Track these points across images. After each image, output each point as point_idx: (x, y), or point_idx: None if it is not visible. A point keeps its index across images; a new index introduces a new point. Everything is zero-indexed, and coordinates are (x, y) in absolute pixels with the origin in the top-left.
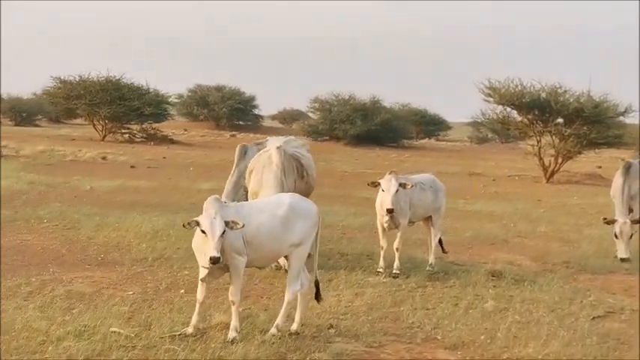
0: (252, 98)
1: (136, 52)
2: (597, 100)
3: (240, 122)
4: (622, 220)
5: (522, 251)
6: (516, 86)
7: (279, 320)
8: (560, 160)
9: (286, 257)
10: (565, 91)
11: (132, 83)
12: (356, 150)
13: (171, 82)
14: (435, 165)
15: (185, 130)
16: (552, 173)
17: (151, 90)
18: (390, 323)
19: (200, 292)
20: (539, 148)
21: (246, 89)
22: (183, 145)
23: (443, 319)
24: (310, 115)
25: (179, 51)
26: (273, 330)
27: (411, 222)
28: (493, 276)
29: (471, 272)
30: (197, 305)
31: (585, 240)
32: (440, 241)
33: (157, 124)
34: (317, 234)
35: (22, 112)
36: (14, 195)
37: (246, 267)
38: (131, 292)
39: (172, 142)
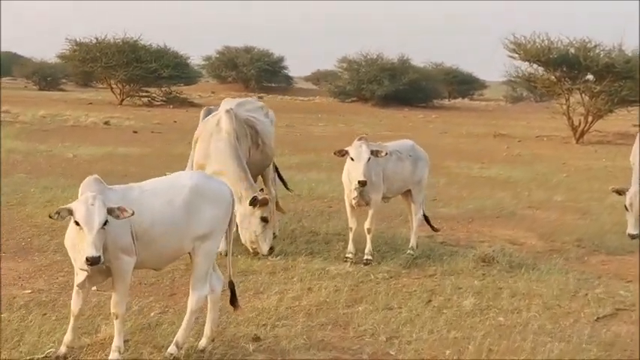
0: (281, 59)
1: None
2: (629, 54)
3: (271, 84)
4: (634, 190)
5: (530, 226)
6: (543, 41)
7: (179, 336)
8: (590, 119)
9: (190, 254)
10: (595, 46)
11: (149, 45)
12: (383, 111)
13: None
14: (462, 126)
15: (213, 92)
16: (582, 133)
17: (170, 51)
18: (336, 331)
19: (75, 303)
20: (568, 106)
21: (277, 51)
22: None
23: (406, 323)
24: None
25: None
26: (171, 349)
27: (385, 197)
28: (483, 262)
29: (459, 256)
30: (71, 319)
31: (606, 211)
32: (426, 219)
33: (185, 87)
34: (231, 222)
35: (47, 77)
36: None
37: (136, 268)
38: (29, 291)
39: (192, 105)
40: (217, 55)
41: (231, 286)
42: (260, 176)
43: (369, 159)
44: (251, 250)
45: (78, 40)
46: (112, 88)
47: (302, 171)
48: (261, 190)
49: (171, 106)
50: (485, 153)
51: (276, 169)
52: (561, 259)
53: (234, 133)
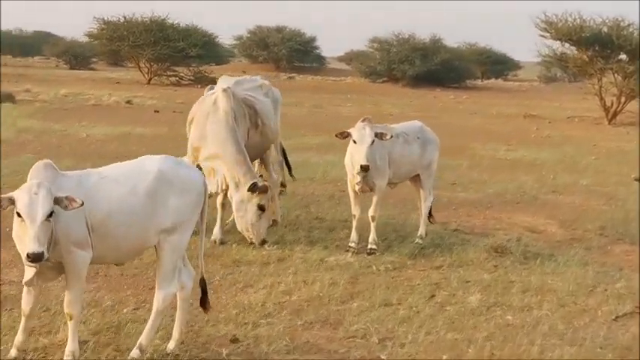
0: (313, 39)
1: None
2: None
3: (302, 64)
4: None
5: (552, 212)
6: (574, 20)
7: (143, 338)
8: (623, 99)
9: (156, 248)
10: (628, 25)
11: (177, 23)
12: (413, 91)
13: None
14: (493, 106)
15: (244, 72)
16: (615, 114)
17: (198, 29)
18: (324, 331)
19: (26, 302)
20: (600, 87)
21: (311, 30)
22: None
23: (403, 322)
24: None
25: None
26: (134, 352)
27: (391, 183)
28: (496, 252)
29: (471, 246)
30: (23, 319)
31: (633, 196)
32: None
33: (216, 67)
34: (203, 213)
35: (77, 56)
36: None
37: (94, 264)
38: None
39: None
40: (249, 35)
41: (202, 284)
42: (259, 159)
43: (373, 142)
44: (248, 239)
45: (106, 18)
46: (139, 67)
47: (320, 152)
48: (261, 176)
49: (198, 86)
50: (514, 134)
51: (284, 152)
52: (581, 248)
53: (232, 112)
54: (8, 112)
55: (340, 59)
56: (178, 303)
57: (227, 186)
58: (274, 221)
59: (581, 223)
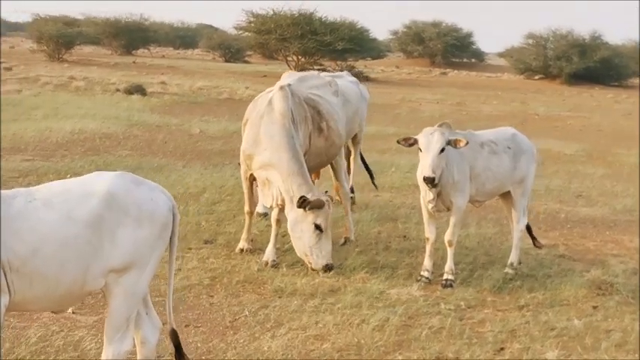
0: (470, 34)
1: None
2: None
3: (458, 60)
4: None
5: None
6: None
7: None
8: None
9: (104, 292)
10: None
11: (325, 17)
12: (569, 89)
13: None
14: None
15: (397, 67)
16: None
17: (345, 23)
18: None
19: None
20: None
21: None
22: (378, 83)
23: None
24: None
25: None
26: None
27: (476, 201)
28: (599, 288)
29: (571, 279)
30: None
31: None
32: (529, 229)
33: (371, 61)
34: (172, 248)
35: (231, 48)
36: (90, 139)
37: (19, 310)
38: None
39: (367, 79)
40: (404, 29)
41: (174, 337)
42: (330, 168)
43: (443, 150)
44: (308, 265)
45: (254, 11)
46: (286, 61)
47: None
48: (326, 192)
49: None
50: None
51: (362, 159)
52: None
53: (290, 114)
54: (129, 106)
55: (500, 55)
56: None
57: (283, 200)
58: (346, 239)
59: None
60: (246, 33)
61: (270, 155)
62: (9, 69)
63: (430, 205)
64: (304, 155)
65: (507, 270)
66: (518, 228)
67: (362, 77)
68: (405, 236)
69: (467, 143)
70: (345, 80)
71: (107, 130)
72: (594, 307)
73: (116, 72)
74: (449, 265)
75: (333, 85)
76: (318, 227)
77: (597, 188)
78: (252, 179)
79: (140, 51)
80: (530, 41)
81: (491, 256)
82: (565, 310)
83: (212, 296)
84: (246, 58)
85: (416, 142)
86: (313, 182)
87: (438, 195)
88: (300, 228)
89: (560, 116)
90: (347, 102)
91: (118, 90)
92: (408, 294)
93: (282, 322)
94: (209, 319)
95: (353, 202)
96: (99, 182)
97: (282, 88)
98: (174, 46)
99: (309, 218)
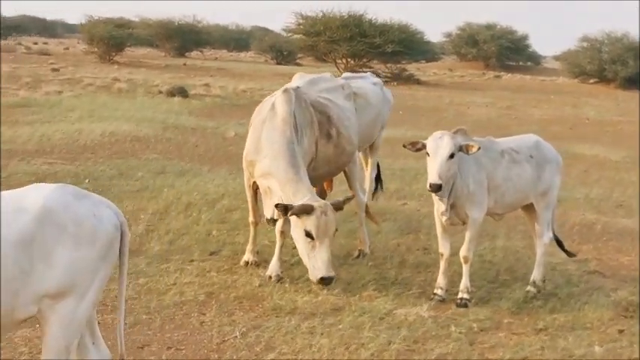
0: (525, 37)
1: None
2: None
3: (512, 63)
4: None
5: None
6: None
7: None
8: None
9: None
10: None
11: (375, 19)
12: (625, 94)
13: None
14: None
15: (450, 69)
16: None
17: (395, 25)
18: None
19: None
20: None
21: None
22: (428, 86)
23: None
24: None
25: None
26: None
27: (495, 214)
28: (627, 310)
29: (598, 299)
30: None
31: None
32: (558, 241)
33: (425, 64)
34: (122, 269)
35: (282, 51)
36: (120, 142)
37: None
38: None
39: (419, 82)
40: (458, 32)
41: None
42: (344, 176)
43: (452, 155)
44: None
45: (303, 13)
46: (336, 63)
47: None
48: (348, 198)
49: (395, 83)
50: None
51: (377, 169)
52: None
53: (292, 119)
54: (168, 108)
55: (556, 58)
56: None
57: None
58: (360, 252)
59: None
60: (296, 35)
61: (269, 163)
62: (56, 70)
63: (444, 218)
64: (311, 163)
65: (529, 288)
66: (541, 243)
67: (412, 80)
68: (426, 249)
69: (479, 149)
70: (368, 82)
71: (139, 132)
72: (620, 332)
73: (164, 74)
74: (464, 282)
75: (346, 88)
76: (308, 234)
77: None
78: (255, 187)
79: (194, 53)
80: (585, 44)
81: (515, 272)
82: (587, 334)
83: (204, 314)
84: (298, 61)
85: (424, 146)
86: (326, 192)
87: (452, 207)
88: (295, 236)
89: (611, 121)
90: (368, 105)
91: (160, 92)
92: (417, 314)
93: (273, 345)
94: (195, 341)
95: (367, 212)
96: (33, 196)
97: (285, 91)
98: (228, 48)
99: (299, 224)
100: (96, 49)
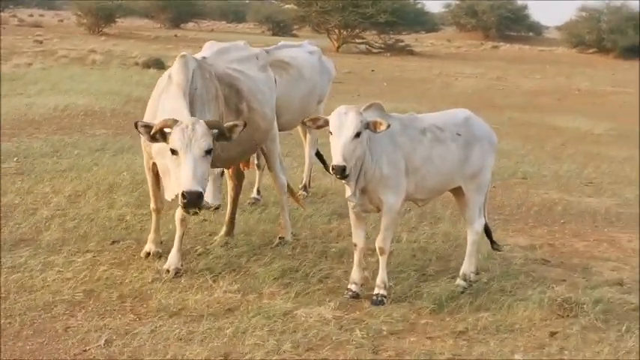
0: (524, 7)
1: None
2: None
3: (516, 33)
4: None
5: None
6: None
7: None
8: None
9: None
10: None
11: None
12: (622, 64)
13: None
14: None
15: (448, 40)
16: None
17: None
18: None
19: None
20: None
21: None
22: (422, 56)
23: None
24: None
25: None
26: None
27: (418, 200)
28: (562, 308)
29: (533, 295)
30: None
31: None
32: (487, 230)
33: (425, 35)
34: None
35: (280, 22)
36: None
37: None
38: None
39: (412, 53)
40: (457, 2)
41: None
42: (262, 155)
43: (359, 134)
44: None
45: None
46: (329, 34)
47: None
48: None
49: (388, 54)
50: None
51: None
52: None
53: (187, 87)
54: (139, 80)
55: (558, 29)
56: None
57: None
58: (281, 239)
59: None
60: (287, 5)
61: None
62: (39, 42)
63: (351, 204)
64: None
65: (459, 282)
66: (473, 230)
67: (406, 51)
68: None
69: (388, 126)
70: (302, 51)
71: (96, 106)
72: (552, 334)
73: (151, 45)
74: (380, 277)
75: (261, 58)
76: (174, 151)
77: (613, 174)
78: (155, 170)
79: (190, 25)
80: (584, 14)
81: (449, 262)
82: (513, 337)
83: (74, 317)
84: (295, 32)
85: (326, 123)
86: (243, 172)
87: (364, 191)
88: (162, 167)
89: (603, 92)
90: (300, 77)
91: (136, 64)
92: (320, 315)
93: (139, 355)
94: (49, 351)
95: (292, 194)
96: None
97: (182, 57)
98: (227, 20)
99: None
100: (85, 21)
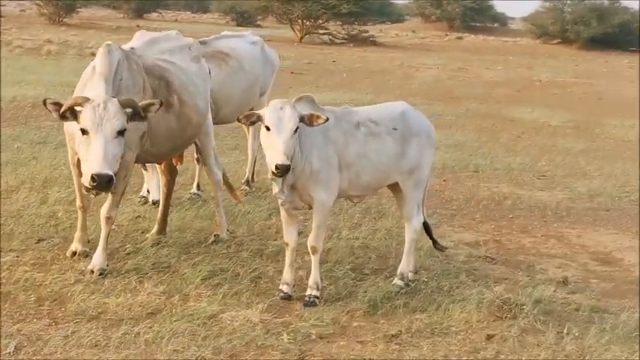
0: None
1: None
2: None
3: (481, 24)
4: None
5: None
6: None
7: None
8: None
9: None
10: None
11: None
12: (585, 54)
13: None
14: None
15: (412, 31)
16: None
17: None
18: None
19: None
20: None
21: None
22: (385, 47)
23: None
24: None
25: None
26: None
27: (353, 197)
28: (500, 309)
29: (472, 295)
30: None
31: None
32: (427, 228)
33: (389, 25)
34: None
35: (244, 13)
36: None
37: None
38: None
39: (374, 44)
40: None
41: None
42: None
43: (297, 130)
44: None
45: None
46: (291, 25)
47: None
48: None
49: (351, 45)
50: None
51: None
52: None
53: (112, 75)
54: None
55: (525, 20)
56: None
57: None
58: (216, 237)
59: None
60: None
61: None
62: None
63: (280, 201)
64: (143, 136)
65: (396, 281)
66: (410, 228)
67: (369, 42)
68: (301, 232)
69: (327, 120)
70: (243, 42)
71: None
72: (489, 337)
73: (111, 36)
74: (313, 278)
75: (194, 49)
76: (84, 131)
77: (567, 167)
78: (80, 165)
79: (153, 15)
80: (548, 4)
81: (388, 260)
82: (447, 341)
83: None
84: (259, 22)
85: (260, 119)
86: (175, 168)
87: (293, 188)
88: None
89: (564, 83)
90: (241, 68)
91: (93, 54)
92: (245, 318)
93: None
94: None
95: (230, 189)
96: None
97: (105, 45)
98: (192, 10)
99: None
100: (45, 11)
